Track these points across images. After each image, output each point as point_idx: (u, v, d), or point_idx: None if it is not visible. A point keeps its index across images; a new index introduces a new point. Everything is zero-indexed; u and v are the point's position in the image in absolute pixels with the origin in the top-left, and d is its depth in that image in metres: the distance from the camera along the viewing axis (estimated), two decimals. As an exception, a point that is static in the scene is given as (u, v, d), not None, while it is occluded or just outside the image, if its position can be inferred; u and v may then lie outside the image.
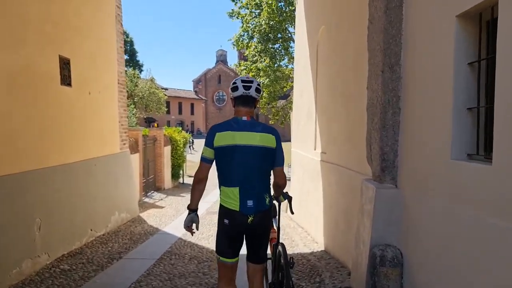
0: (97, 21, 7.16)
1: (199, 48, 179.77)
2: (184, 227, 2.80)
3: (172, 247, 6.01)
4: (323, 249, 5.50)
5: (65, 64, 5.75)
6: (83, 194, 6.11)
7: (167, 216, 9.35)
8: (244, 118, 2.71)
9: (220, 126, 2.73)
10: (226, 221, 2.68)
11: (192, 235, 2.90)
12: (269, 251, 3.17)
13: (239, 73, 31.36)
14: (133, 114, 20.55)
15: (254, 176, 2.67)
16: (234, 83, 2.76)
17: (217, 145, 2.66)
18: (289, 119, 30.88)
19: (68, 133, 5.83)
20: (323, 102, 6.14)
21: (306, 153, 7.55)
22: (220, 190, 2.75)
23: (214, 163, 2.75)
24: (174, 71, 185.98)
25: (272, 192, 2.87)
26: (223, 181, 2.72)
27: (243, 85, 2.70)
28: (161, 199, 12.91)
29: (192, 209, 2.81)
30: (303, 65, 7.89)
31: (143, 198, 12.41)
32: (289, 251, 5.64)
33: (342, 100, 4.92)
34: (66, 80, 5.76)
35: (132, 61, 48.35)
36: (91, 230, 6.30)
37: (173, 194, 14.46)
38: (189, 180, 21.57)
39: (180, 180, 19.27)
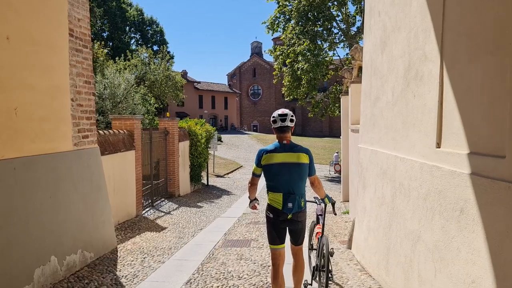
0: None
1: (234, 41, 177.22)
2: (250, 208, 3.83)
3: None
4: None
5: None
6: None
7: (159, 250, 5.93)
8: (285, 141, 3.55)
9: (266, 149, 3.59)
10: (271, 215, 3.54)
11: (257, 209, 3.97)
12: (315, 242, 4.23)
13: (274, 59, 27.58)
14: (150, 103, 17.39)
15: (293, 185, 3.49)
16: (274, 117, 3.57)
17: (264, 163, 3.53)
18: (330, 112, 26.94)
19: None
20: (486, 22, 2.44)
21: (400, 154, 3.87)
22: (268, 194, 3.56)
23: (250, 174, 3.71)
24: (208, 65, 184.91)
25: (307, 198, 3.70)
26: (271, 189, 3.55)
27: (280, 119, 3.52)
28: (169, 213, 9.57)
29: (253, 199, 3.79)
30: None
31: (144, 211, 9.12)
32: None
33: None
34: None
35: (163, 52, 45.77)
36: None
37: (188, 204, 11.10)
38: (216, 182, 18.18)
39: (204, 181, 15.87)
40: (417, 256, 3.31)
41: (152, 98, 17.75)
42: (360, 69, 9.38)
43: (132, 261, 5.35)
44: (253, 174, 3.64)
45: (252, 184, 3.69)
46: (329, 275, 3.83)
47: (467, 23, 2.71)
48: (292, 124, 3.57)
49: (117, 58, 19.32)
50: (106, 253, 5.57)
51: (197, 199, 12.41)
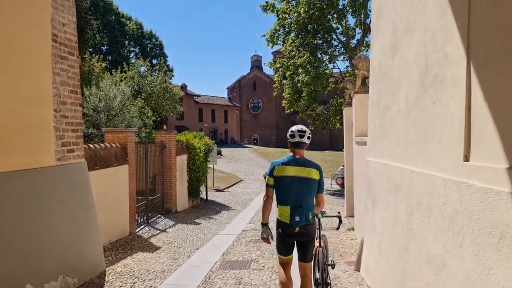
0: None
1: (234, 55, 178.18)
2: (261, 239, 3.72)
3: None
4: None
5: None
6: None
7: (151, 273, 5.46)
8: (297, 156, 3.67)
9: (279, 161, 3.70)
10: (280, 230, 3.64)
11: (270, 243, 3.83)
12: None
13: (274, 72, 27.38)
14: (147, 116, 17.01)
15: (301, 199, 3.58)
16: (292, 131, 3.70)
17: (276, 175, 3.64)
18: (331, 125, 26.52)
19: None
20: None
21: (417, 168, 3.45)
22: (277, 208, 3.67)
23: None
24: (208, 79, 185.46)
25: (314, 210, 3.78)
26: (279, 201, 3.66)
27: (299, 134, 3.65)
28: (164, 230, 9.09)
29: (265, 223, 3.72)
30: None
31: (138, 229, 8.66)
32: None
33: None
34: None
35: (160, 64, 45.41)
36: None
37: (185, 221, 10.61)
38: (215, 196, 17.67)
39: (203, 195, 15.35)
40: (442, 285, 2.86)
41: (149, 110, 17.33)
42: (364, 79, 9.03)
43: (121, 286, 4.89)
44: (267, 185, 3.71)
45: (268, 197, 3.69)
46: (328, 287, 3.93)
47: (499, 15, 2.32)
48: (308, 142, 3.70)
49: (113, 71, 18.99)
50: (92, 277, 5.11)
51: (195, 215, 11.93)
